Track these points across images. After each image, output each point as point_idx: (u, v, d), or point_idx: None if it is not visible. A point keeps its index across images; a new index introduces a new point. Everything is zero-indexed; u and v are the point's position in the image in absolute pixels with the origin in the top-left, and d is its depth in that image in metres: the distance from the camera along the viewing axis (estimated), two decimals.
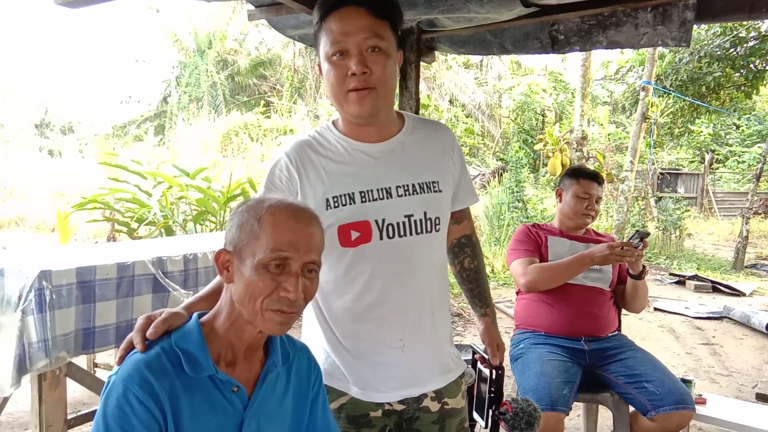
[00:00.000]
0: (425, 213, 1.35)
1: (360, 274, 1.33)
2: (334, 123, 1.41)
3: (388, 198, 1.32)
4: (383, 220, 1.31)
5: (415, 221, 1.34)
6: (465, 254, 1.56)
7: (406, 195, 1.34)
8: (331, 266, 1.33)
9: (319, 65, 1.32)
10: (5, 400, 2.50)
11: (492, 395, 1.51)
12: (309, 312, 1.43)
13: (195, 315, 1.08)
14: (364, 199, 1.31)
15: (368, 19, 1.24)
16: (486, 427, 1.53)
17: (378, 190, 1.32)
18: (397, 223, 1.32)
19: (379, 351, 1.35)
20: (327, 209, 1.29)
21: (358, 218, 1.30)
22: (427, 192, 1.36)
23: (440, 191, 1.39)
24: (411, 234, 1.33)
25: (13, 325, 1.99)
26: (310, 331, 1.44)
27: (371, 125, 1.35)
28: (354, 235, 1.31)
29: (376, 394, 1.35)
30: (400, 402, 1.37)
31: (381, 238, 1.31)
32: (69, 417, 2.25)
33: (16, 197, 12.76)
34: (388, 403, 1.36)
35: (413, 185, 1.35)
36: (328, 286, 1.35)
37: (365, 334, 1.35)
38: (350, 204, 1.30)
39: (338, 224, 1.30)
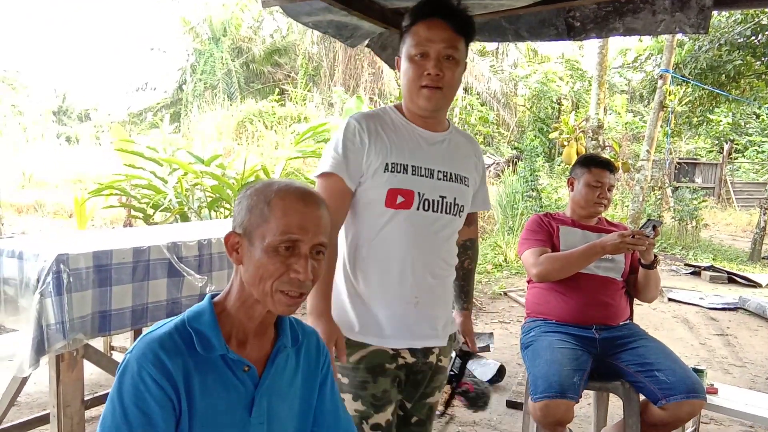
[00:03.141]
0: (455, 198, 1.62)
1: (393, 234, 1.54)
2: (397, 108, 1.65)
3: (430, 178, 1.57)
4: (422, 194, 1.55)
5: (447, 203, 1.59)
6: (467, 256, 1.84)
7: (443, 180, 1.59)
8: (370, 223, 1.55)
9: (398, 60, 1.59)
10: (24, 380, 2.56)
11: (453, 373, 1.82)
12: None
13: (208, 296, 1.11)
14: (414, 173, 1.55)
15: (450, 32, 1.50)
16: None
17: (425, 168, 1.57)
18: (433, 200, 1.57)
19: (395, 304, 1.56)
20: (385, 172, 1.52)
21: (407, 186, 1.54)
22: (460, 183, 1.63)
23: (468, 186, 1.67)
24: (441, 212, 1.58)
25: (32, 307, 2.03)
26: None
27: (431, 118, 1.60)
28: (399, 199, 1.53)
29: (390, 340, 1.56)
30: (412, 355, 1.59)
31: (418, 209, 1.55)
32: (86, 398, 2.30)
33: (35, 183, 12.91)
34: (402, 356, 1.58)
35: (450, 173, 1.61)
36: (360, 239, 1.57)
37: (385, 287, 1.56)
38: (404, 173, 1.54)
39: (390, 187, 1.52)
